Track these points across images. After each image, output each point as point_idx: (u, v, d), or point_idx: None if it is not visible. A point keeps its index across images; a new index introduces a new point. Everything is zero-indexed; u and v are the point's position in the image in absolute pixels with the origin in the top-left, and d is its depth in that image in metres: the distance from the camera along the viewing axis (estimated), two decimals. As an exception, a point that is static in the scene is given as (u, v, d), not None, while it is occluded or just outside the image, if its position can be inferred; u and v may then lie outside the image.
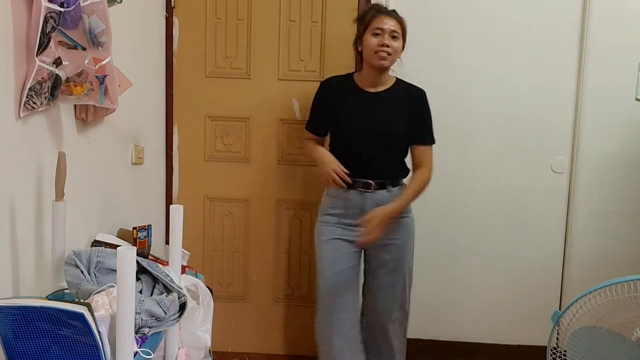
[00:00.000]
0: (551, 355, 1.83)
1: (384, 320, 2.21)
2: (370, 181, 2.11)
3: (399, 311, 2.22)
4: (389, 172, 2.16)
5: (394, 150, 2.16)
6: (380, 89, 2.15)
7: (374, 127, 2.11)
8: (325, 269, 2.17)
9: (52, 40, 1.41)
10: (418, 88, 2.18)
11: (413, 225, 2.22)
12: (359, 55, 2.18)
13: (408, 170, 2.22)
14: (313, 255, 2.65)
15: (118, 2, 1.70)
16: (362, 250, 2.21)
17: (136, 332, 1.27)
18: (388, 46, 2.04)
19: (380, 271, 2.19)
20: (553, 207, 2.64)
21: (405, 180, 2.21)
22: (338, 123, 2.17)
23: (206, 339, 1.95)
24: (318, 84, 2.27)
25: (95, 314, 1.16)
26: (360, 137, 2.12)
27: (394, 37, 2.06)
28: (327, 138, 2.27)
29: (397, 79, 2.19)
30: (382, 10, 2.11)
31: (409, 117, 2.14)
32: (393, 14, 2.10)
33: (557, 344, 1.86)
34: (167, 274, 1.49)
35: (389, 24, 2.06)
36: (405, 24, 2.12)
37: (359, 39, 2.13)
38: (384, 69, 2.11)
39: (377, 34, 2.05)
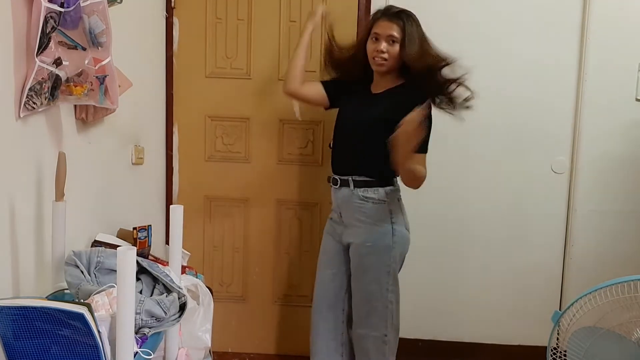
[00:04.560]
0: (551, 356, 1.84)
1: (356, 329, 2.11)
2: (348, 177, 2.06)
3: (372, 324, 2.05)
4: (368, 170, 2.03)
5: (370, 143, 2.02)
6: (381, 90, 2.11)
7: (355, 118, 2.08)
8: (318, 269, 2.21)
9: (52, 41, 1.41)
10: (424, 95, 1.97)
11: (399, 238, 2.04)
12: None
13: (393, 175, 2.06)
14: (314, 256, 2.66)
15: (118, 2, 1.71)
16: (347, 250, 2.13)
17: (136, 332, 1.27)
18: (383, 52, 2.01)
19: (356, 272, 2.08)
20: (553, 207, 2.64)
21: (387, 189, 2.05)
22: (337, 116, 2.19)
23: (206, 339, 1.96)
24: (318, 84, 2.26)
25: (95, 314, 1.16)
26: (343, 128, 2.13)
27: (392, 42, 2.00)
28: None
29: (405, 83, 2.08)
30: (386, 14, 2.05)
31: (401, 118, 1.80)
32: (394, 19, 2.01)
33: (557, 344, 1.86)
34: (167, 274, 1.49)
35: (387, 28, 2.00)
36: (408, 27, 2.00)
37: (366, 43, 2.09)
38: (382, 73, 2.08)
39: (375, 39, 2.03)
